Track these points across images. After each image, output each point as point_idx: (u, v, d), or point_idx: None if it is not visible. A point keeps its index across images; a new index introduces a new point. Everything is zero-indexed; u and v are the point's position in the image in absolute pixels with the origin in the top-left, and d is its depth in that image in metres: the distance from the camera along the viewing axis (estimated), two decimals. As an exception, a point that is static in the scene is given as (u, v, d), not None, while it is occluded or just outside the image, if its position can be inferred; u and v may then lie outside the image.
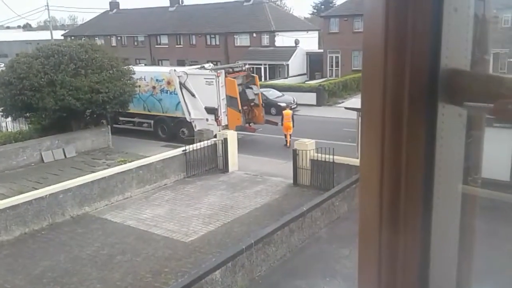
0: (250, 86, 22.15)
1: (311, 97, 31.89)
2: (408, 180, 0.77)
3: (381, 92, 0.76)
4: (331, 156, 14.93)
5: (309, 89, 32.89)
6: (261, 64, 41.58)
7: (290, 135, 21.32)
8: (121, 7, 59.79)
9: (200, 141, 17.60)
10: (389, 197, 0.78)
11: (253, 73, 25.54)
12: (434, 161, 0.76)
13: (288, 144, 20.64)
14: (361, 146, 0.83)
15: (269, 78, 40.22)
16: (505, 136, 12.17)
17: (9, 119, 23.71)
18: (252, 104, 22.17)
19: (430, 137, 0.76)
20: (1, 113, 22.34)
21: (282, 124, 21.71)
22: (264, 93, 26.32)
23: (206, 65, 23.91)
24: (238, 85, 21.33)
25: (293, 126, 21.72)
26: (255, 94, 22.07)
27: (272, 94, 29.73)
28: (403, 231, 0.78)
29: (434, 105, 0.75)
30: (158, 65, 44.95)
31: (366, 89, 0.81)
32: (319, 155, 15.29)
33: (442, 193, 0.78)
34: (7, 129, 25.18)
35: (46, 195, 13.16)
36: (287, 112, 21.98)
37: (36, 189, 14.32)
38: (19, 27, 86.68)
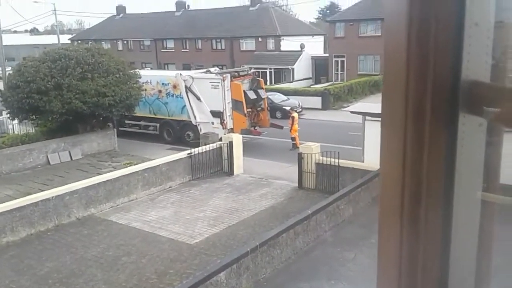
0: (255, 89, 22.22)
1: (317, 101, 31.89)
2: (429, 188, 0.79)
3: (403, 101, 0.78)
4: (336, 160, 14.93)
5: (315, 93, 32.90)
6: (266, 68, 41.68)
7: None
8: (127, 11, 60.13)
9: (205, 144, 17.64)
10: (410, 204, 0.80)
11: (259, 77, 25.60)
12: (455, 169, 0.78)
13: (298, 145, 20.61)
14: (381, 153, 0.85)
15: (275, 82, 40.30)
16: None
17: (16, 121, 23.88)
18: (258, 108, 22.21)
19: (451, 146, 0.78)
20: (8, 115, 22.51)
21: (292, 128, 21.49)
22: (269, 97, 26.36)
23: (212, 69, 24.00)
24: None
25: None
26: (258, 96, 22.06)
27: (277, 98, 29.79)
28: (423, 237, 0.80)
29: (455, 115, 0.77)
30: (164, 69, 45.17)
31: (387, 96, 0.83)
32: (324, 158, 15.29)
33: (462, 200, 0.80)
34: (13, 132, 25.34)
35: (52, 197, 13.24)
36: (296, 115, 22.05)
37: (42, 190, 14.39)
38: (26, 31, 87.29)
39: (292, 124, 21.39)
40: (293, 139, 21.29)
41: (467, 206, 0.82)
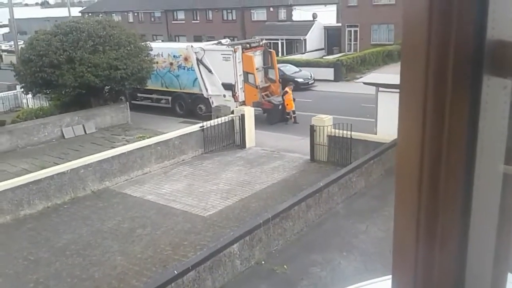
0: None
1: (329, 72, 31.53)
2: (450, 154, 0.76)
3: (424, 64, 0.75)
4: (348, 132, 14.86)
5: (327, 64, 32.48)
6: (278, 39, 41.10)
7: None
8: (137, -18, 59.33)
9: (217, 117, 17.65)
10: (428, 174, 0.77)
11: (270, 48, 25.32)
12: (477, 134, 0.75)
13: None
14: (399, 120, 0.81)
15: (286, 53, 39.81)
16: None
17: (30, 95, 24.07)
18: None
19: (474, 110, 0.75)
20: (22, 90, 22.67)
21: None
22: (281, 68, 26.10)
23: (223, 41, 23.74)
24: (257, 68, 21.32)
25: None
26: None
27: (289, 69, 29.47)
28: (442, 208, 0.77)
29: (479, 77, 0.74)
30: (175, 41, 44.84)
31: (406, 60, 0.79)
32: (337, 131, 15.22)
33: (484, 170, 0.77)
34: (28, 106, 25.59)
35: (68, 170, 13.44)
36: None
37: (58, 164, 14.61)
38: (37, 4, 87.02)
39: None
40: (294, 112, 20.88)
41: (489, 179, 0.79)
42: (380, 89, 15.30)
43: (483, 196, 0.78)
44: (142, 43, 22.02)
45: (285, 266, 9.34)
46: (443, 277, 0.80)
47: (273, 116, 20.83)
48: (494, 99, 0.76)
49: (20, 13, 66.58)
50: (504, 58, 0.74)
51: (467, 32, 0.72)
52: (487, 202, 0.81)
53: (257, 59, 21.64)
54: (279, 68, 23.89)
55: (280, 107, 20.82)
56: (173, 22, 50.82)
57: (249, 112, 17.86)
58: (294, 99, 21.22)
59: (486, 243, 0.83)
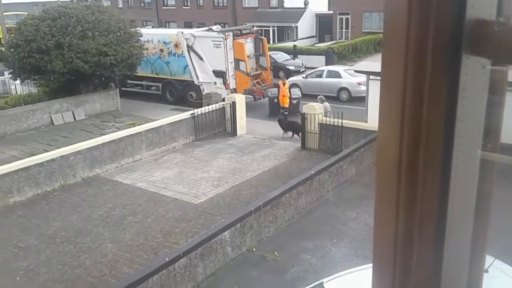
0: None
1: (320, 60, 31.40)
2: (428, 136, 0.75)
3: (404, 43, 0.73)
4: (339, 120, 14.89)
5: (318, 52, 32.40)
6: (269, 26, 40.85)
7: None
8: (127, -33, 58.44)
9: (208, 105, 17.57)
10: (407, 158, 0.77)
11: (261, 35, 25.18)
12: (456, 114, 0.74)
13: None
14: (380, 104, 0.80)
15: (278, 41, 39.64)
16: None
17: (18, 81, 23.76)
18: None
19: (453, 88, 0.74)
20: (10, 76, 22.37)
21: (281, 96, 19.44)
22: (272, 56, 25.98)
23: (214, 27, 23.56)
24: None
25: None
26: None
27: (280, 57, 29.36)
28: (420, 196, 0.77)
29: (458, 56, 0.73)
30: (165, 27, 44.40)
31: (388, 41, 0.78)
32: (328, 119, 15.25)
33: (462, 152, 0.76)
34: (16, 92, 25.26)
35: (57, 157, 13.34)
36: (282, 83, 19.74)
37: (47, 151, 14.49)
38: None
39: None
40: (285, 108, 19.18)
41: (467, 159, 0.78)
42: (371, 77, 15.31)
43: (461, 180, 0.78)
44: (132, 29, 21.75)
45: (276, 253, 9.41)
46: (421, 263, 0.80)
47: (272, 109, 20.11)
48: (473, 79, 0.75)
49: (7, -3, 65.29)
50: (484, 36, 0.73)
51: (446, 10, 0.70)
52: (465, 186, 0.80)
53: (248, 46, 21.50)
54: (270, 56, 23.78)
55: (275, 100, 19.95)
56: (163, 8, 50.22)
57: (240, 100, 17.80)
58: (290, 95, 19.53)
59: (463, 228, 0.83)
